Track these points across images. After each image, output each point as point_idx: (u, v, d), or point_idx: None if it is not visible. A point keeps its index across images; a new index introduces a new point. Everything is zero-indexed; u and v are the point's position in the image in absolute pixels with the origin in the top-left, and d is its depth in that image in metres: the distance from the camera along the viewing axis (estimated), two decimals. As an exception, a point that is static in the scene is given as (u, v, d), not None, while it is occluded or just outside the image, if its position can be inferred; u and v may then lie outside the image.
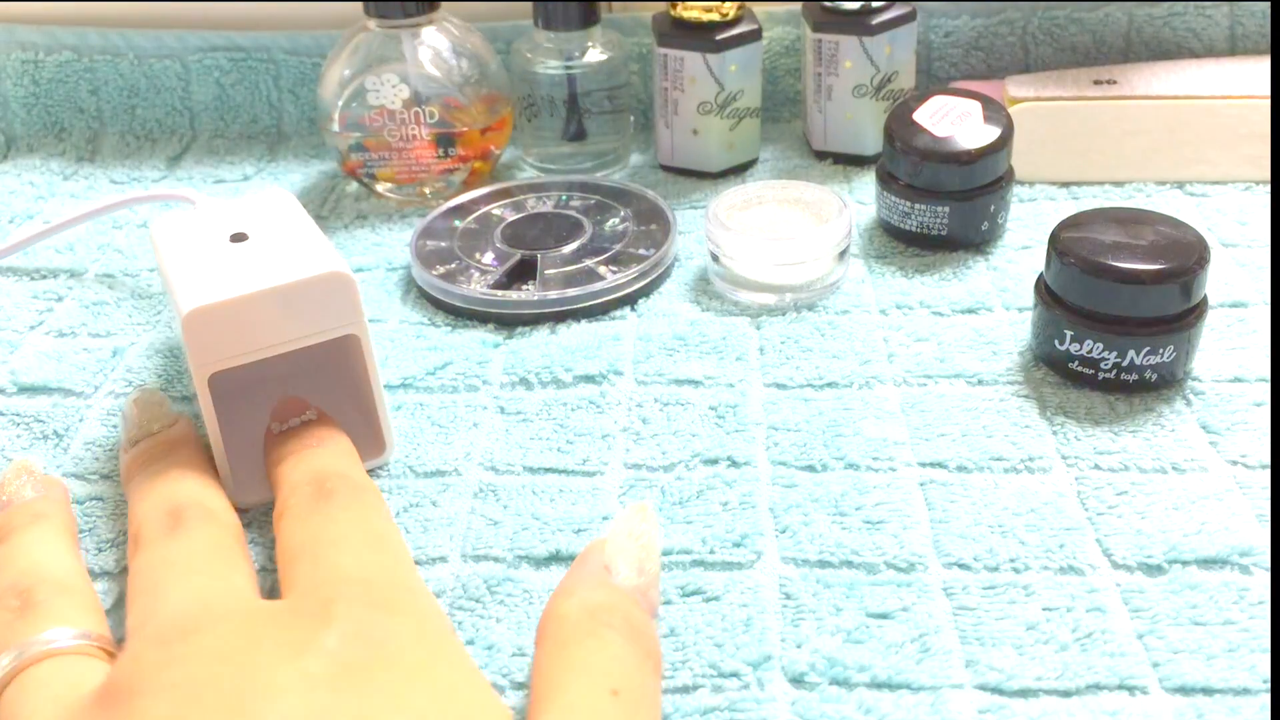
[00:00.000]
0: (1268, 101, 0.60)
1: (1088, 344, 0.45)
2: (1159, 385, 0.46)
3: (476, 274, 0.55)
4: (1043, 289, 0.47)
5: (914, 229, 0.57)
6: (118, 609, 0.40)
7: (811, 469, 0.44)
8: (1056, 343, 0.46)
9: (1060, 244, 0.46)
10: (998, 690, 0.34)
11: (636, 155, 0.70)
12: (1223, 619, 0.36)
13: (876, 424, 0.46)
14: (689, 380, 0.49)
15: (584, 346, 0.51)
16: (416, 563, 0.41)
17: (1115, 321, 0.45)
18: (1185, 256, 0.44)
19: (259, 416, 0.47)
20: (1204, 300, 0.45)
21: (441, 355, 0.52)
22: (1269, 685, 0.34)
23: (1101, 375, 0.46)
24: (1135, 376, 0.46)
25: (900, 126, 0.56)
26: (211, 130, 0.74)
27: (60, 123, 0.74)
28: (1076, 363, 0.46)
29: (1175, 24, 0.68)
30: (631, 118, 0.70)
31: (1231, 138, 0.60)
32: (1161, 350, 0.45)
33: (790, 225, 0.54)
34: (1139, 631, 0.36)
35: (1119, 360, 0.45)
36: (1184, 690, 0.34)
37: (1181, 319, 0.45)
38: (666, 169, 0.67)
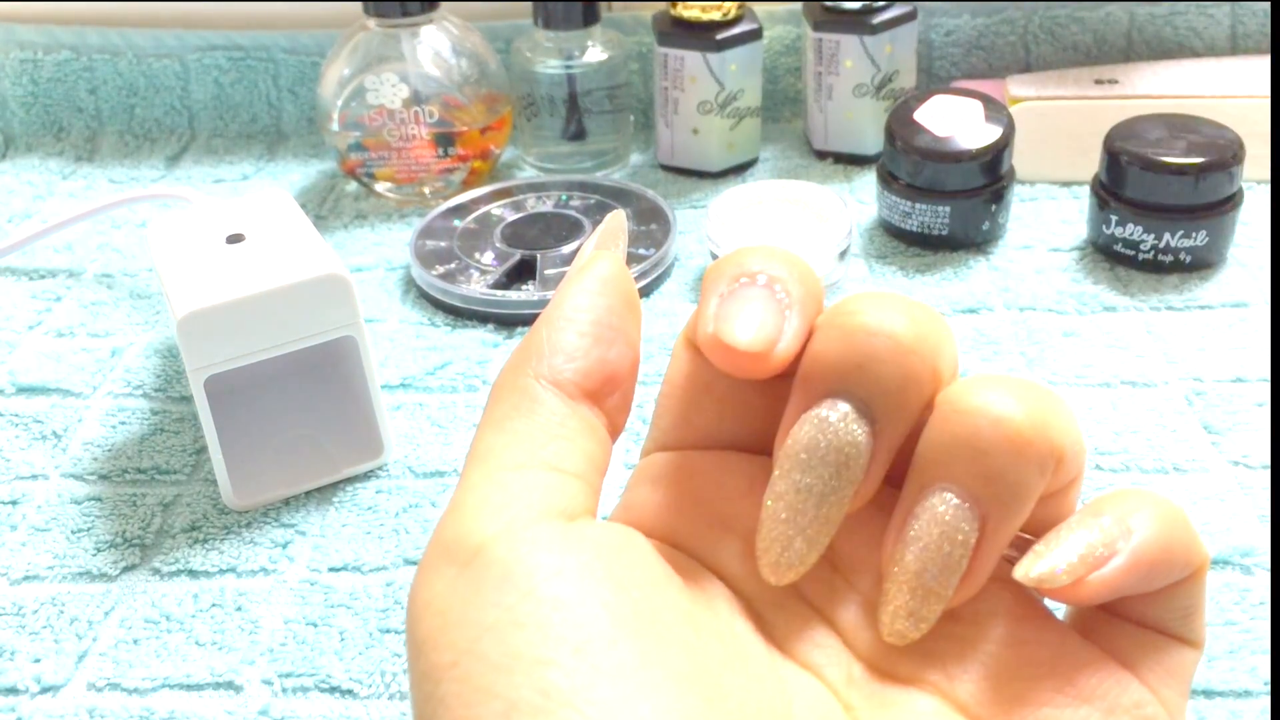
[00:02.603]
0: (1268, 101, 0.59)
1: (1129, 227, 0.53)
2: (1193, 267, 0.53)
3: (476, 274, 0.55)
4: (1096, 183, 0.55)
5: (915, 229, 0.57)
6: (115, 612, 0.40)
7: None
8: (1104, 228, 0.54)
9: (1113, 142, 0.53)
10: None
11: (636, 155, 0.70)
12: (1224, 620, 0.36)
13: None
14: (689, 381, 0.49)
15: (583, 347, 0.51)
16: (414, 563, 0.41)
17: (1154, 208, 0.52)
18: (1221, 153, 0.52)
19: (257, 418, 0.47)
20: (1238, 192, 0.53)
21: (441, 355, 0.51)
22: (1269, 688, 0.34)
23: (1141, 256, 0.53)
24: (1171, 258, 0.53)
25: (901, 126, 0.56)
26: (210, 130, 0.74)
27: (59, 122, 0.74)
28: (1120, 245, 0.54)
29: (1176, 23, 0.68)
30: (631, 117, 0.69)
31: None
32: (1194, 234, 0.52)
33: (790, 225, 0.54)
34: (1140, 633, 0.36)
35: (1156, 242, 0.52)
36: (1185, 692, 0.34)
37: (1214, 207, 0.52)
38: (666, 168, 0.67)
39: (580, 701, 0.19)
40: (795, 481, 0.22)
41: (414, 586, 0.22)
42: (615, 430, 0.24)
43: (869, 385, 0.22)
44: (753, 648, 0.23)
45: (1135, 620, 0.23)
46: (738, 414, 0.25)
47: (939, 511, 0.22)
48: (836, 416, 0.22)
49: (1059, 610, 0.25)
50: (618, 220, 0.27)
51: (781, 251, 0.24)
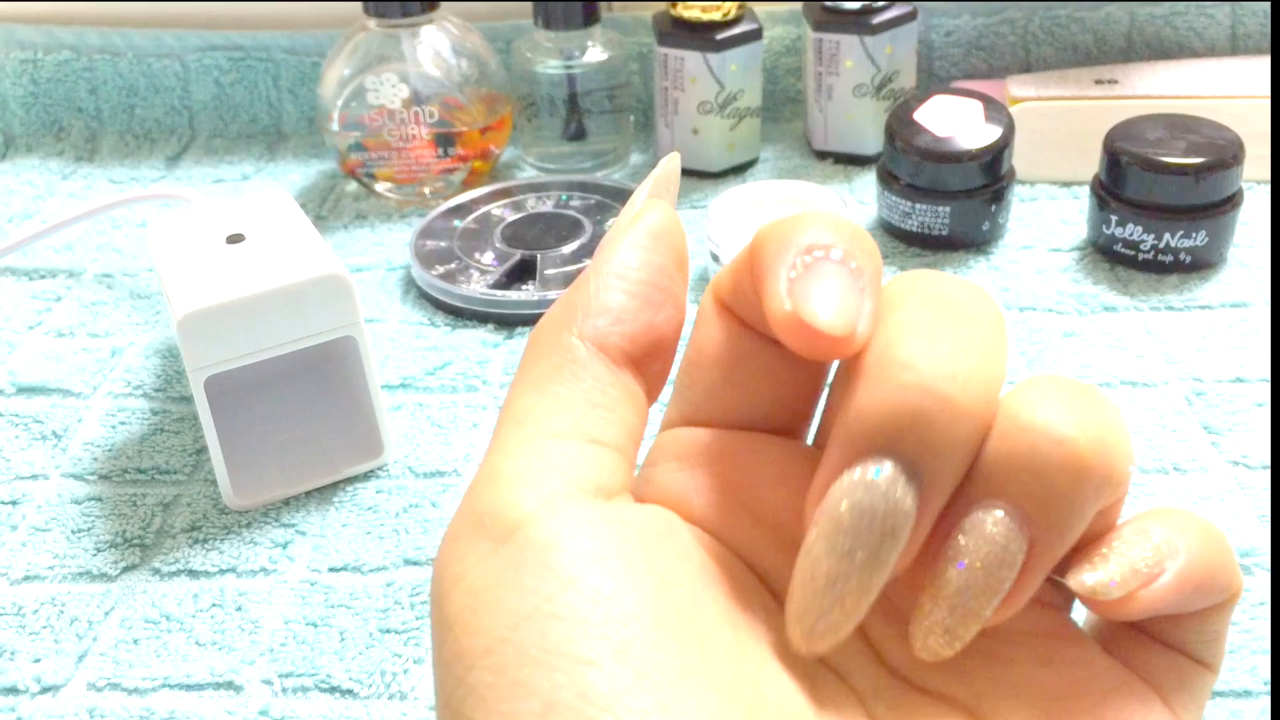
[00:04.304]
0: (1268, 101, 0.59)
1: (1130, 228, 0.53)
2: (1193, 267, 0.53)
3: (476, 274, 0.55)
4: (1096, 183, 0.54)
5: (915, 229, 0.57)
6: (115, 612, 0.40)
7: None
8: (1104, 228, 0.54)
9: (1113, 143, 0.53)
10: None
11: (636, 155, 0.70)
12: (1224, 621, 0.36)
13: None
14: (689, 381, 0.49)
15: (583, 347, 0.51)
16: (414, 563, 0.41)
17: (1154, 208, 0.52)
18: (1221, 153, 0.51)
19: (257, 418, 0.47)
20: (1238, 192, 0.53)
21: (441, 355, 0.51)
22: (1269, 688, 0.34)
23: (1141, 257, 0.53)
24: (1171, 258, 0.53)
25: (901, 126, 0.56)
26: (210, 130, 0.74)
27: (59, 122, 0.74)
28: (1120, 245, 0.53)
29: (1177, 23, 0.68)
30: (631, 117, 0.69)
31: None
32: (1194, 234, 0.52)
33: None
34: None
35: (1156, 242, 0.52)
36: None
37: (1214, 207, 0.52)
38: (666, 168, 0.67)
39: (619, 708, 0.18)
40: (836, 547, 0.20)
41: (443, 556, 0.21)
42: (652, 398, 0.23)
43: (920, 448, 0.20)
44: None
45: (1162, 640, 0.23)
46: (773, 392, 0.23)
47: (988, 530, 0.21)
48: (884, 480, 0.20)
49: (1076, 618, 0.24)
50: (673, 164, 0.25)
51: (845, 221, 0.22)
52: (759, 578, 0.23)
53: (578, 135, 0.66)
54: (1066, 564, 0.22)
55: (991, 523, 0.21)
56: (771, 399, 0.23)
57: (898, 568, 0.21)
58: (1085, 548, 0.22)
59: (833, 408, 0.22)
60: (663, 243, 0.23)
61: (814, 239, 0.21)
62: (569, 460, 0.21)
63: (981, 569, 0.20)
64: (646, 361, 0.23)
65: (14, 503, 0.45)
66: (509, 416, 0.22)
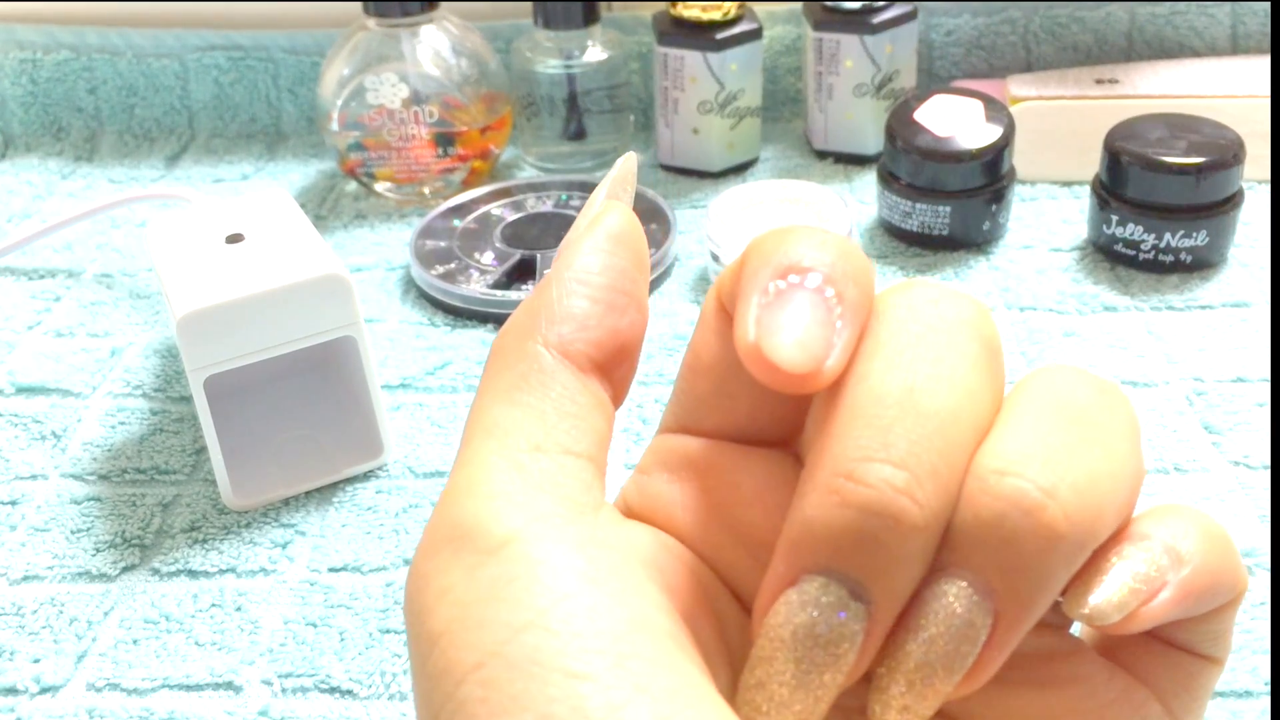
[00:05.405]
0: (1268, 101, 0.59)
1: (1130, 227, 0.53)
2: (1194, 267, 0.53)
3: (476, 274, 0.55)
4: (1096, 183, 0.55)
5: (915, 229, 0.57)
6: (115, 612, 0.40)
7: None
8: (1104, 228, 0.54)
9: (1113, 142, 0.53)
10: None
11: (636, 155, 0.69)
12: (1224, 621, 0.36)
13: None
14: (689, 381, 0.49)
15: (583, 347, 0.51)
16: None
17: (1154, 208, 0.52)
18: (1222, 153, 0.52)
19: (257, 418, 0.47)
20: (1239, 192, 0.53)
21: (441, 355, 0.51)
22: (1269, 688, 0.34)
23: (1141, 256, 0.53)
24: (1171, 258, 0.53)
25: (901, 126, 0.56)
26: (210, 129, 0.74)
27: (58, 122, 0.74)
28: (1120, 244, 0.54)
29: (1177, 23, 0.68)
30: (631, 117, 0.69)
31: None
32: (1195, 234, 0.52)
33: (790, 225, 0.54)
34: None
35: (1157, 242, 0.52)
36: (1186, 693, 0.34)
37: (1215, 207, 0.52)
38: (667, 168, 0.67)
39: None
40: (777, 672, 0.19)
41: (422, 570, 0.20)
42: (619, 401, 0.23)
43: (865, 571, 0.19)
44: None
45: (1164, 640, 0.22)
46: (767, 403, 0.23)
47: (949, 603, 0.19)
48: (828, 604, 0.19)
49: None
50: (629, 165, 0.25)
51: (834, 239, 0.21)
52: (737, 598, 0.22)
53: (578, 135, 0.66)
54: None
55: (954, 595, 0.19)
56: (765, 410, 0.23)
57: (847, 682, 0.20)
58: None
59: (815, 427, 0.21)
60: (623, 245, 0.23)
61: (794, 260, 0.21)
62: (550, 478, 0.21)
63: (942, 643, 0.19)
64: (612, 367, 0.22)
65: (14, 503, 0.45)
66: (479, 428, 0.22)
